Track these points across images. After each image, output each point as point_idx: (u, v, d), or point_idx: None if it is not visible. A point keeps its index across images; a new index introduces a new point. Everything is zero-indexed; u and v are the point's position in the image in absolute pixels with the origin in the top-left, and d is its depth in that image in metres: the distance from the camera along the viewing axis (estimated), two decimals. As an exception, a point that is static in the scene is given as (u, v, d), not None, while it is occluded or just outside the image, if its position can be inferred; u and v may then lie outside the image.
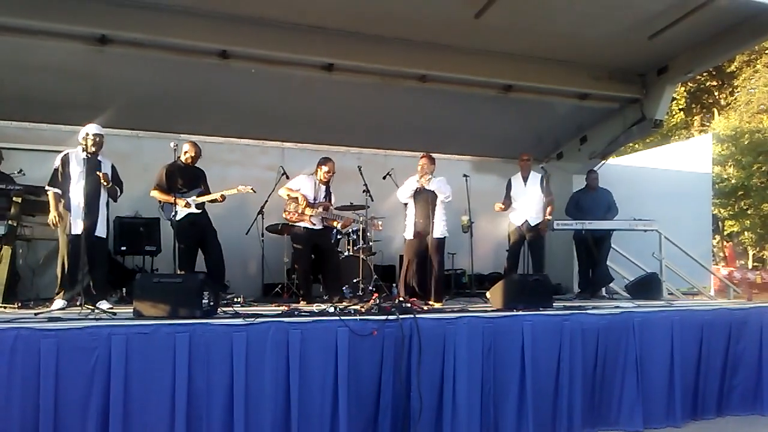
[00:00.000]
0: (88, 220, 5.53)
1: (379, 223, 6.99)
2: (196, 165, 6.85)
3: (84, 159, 5.64)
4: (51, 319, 4.31)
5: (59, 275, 5.65)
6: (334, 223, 6.93)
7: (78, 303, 5.33)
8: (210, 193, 6.72)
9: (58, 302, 5.50)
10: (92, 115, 6.74)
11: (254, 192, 6.86)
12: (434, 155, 6.89)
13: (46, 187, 5.75)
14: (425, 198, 6.68)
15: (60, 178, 5.72)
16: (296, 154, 8.94)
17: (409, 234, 6.76)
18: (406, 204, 6.93)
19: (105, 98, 7.37)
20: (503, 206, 7.74)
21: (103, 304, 5.44)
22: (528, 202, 7.62)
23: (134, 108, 7.80)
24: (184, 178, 6.68)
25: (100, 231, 5.82)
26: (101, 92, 7.41)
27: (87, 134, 5.76)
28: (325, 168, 6.80)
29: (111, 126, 7.90)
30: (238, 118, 8.42)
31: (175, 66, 7.12)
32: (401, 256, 8.64)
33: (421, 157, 6.77)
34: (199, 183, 6.77)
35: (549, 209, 7.51)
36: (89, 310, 4.93)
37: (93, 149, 5.76)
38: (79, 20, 6.40)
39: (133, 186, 7.74)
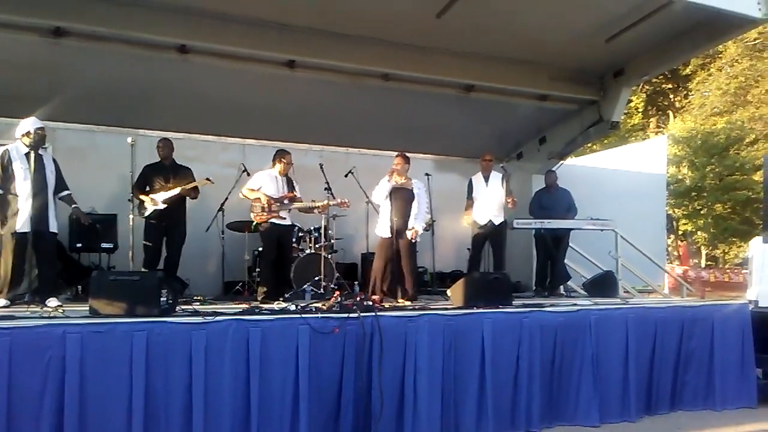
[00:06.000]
0: (37, 216, 5.43)
1: (347, 201, 6.98)
2: (177, 162, 7.01)
3: (26, 155, 5.54)
4: (3, 318, 4.20)
5: (2, 274, 5.49)
6: (315, 210, 6.95)
7: (25, 301, 5.23)
8: (172, 187, 6.78)
9: (0, 301, 5.36)
10: (46, 108, 6.63)
11: (212, 183, 6.90)
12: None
13: None
14: (402, 196, 6.68)
15: (0, 179, 5.55)
16: (257, 150, 8.87)
17: (383, 232, 6.71)
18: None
19: (60, 91, 7.18)
20: (469, 211, 7.81)
21: (52, 302, 5.31)
22: (490, 201, 7.69)
23: (90, 102, 7.64)
24: (163, 176, 6.83)
25: (53, 226, 5.68)
26: (56, 85, 7.21)
27: (32, 130, 5.56)
28: (283, 160, 6.84)
29: (66, 120, 7.84)
30: (198, 114, 8.30)
31: (134, 60, 6.99)
32: (363, 255, 8.70)
33: (396, 156, 6.78)
34: (175, 180, 6.82)
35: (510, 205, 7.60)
36: (38, 308, 4.83)
37: (37, 144, 5.57)
38: (34, 12, 6.24)
39: (89, 181, 7.68)
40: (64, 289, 6.52)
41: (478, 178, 7.89)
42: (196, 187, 6.90)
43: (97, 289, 4.54)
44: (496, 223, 7.67)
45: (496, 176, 7.80)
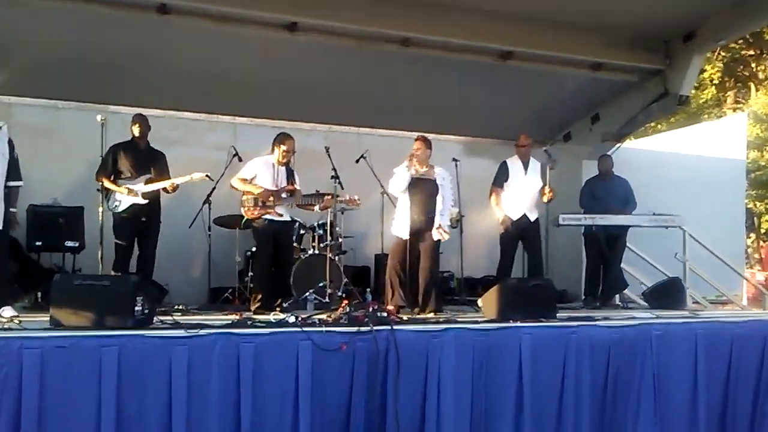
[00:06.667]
0: None
1: (357, 198, 7.00)
2: (152, 146, 7.01)
3: None
4: (-50, 330, 4.27)
5: None
6: (314, 207, 6.96)
7: None
8: (162, 179, 6.80)
9: None
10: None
11: (211, 179, 6.93)
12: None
13: None
14: (424, 189, 6.67)
15: None
16: (251, 131, 8.90)
17: (401, 231, 6.68)
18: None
19: (16, 60, 7.26)
20: (499, 199, 7.77)
21: (6, 311, 5.34)
22: (527, 192, 7.68)
23: (53, 73, 7.70)
24: (135, 161, 6.83)
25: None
26: (11, 53, 7.27)
27: None
28: (283, 147, 6.85)
29: (24, 94, 7.90)
30: (180, 88, 8.33)
31: (105, 23, 7.02)
32: (377, 256, 8.70)
33: (416, 140, 6.76)
34: (151, 167, 6.86)
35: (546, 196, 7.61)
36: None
37: None
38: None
39: (51, 167, 7.75)
40: (21, 296, 6.56)
41: (515, 163, 7.85)
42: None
43: (59, 296, 4.57)
44: (531, 219, 7.67)
45: (535, 163, 7.80)
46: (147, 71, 7.92)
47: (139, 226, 6.85)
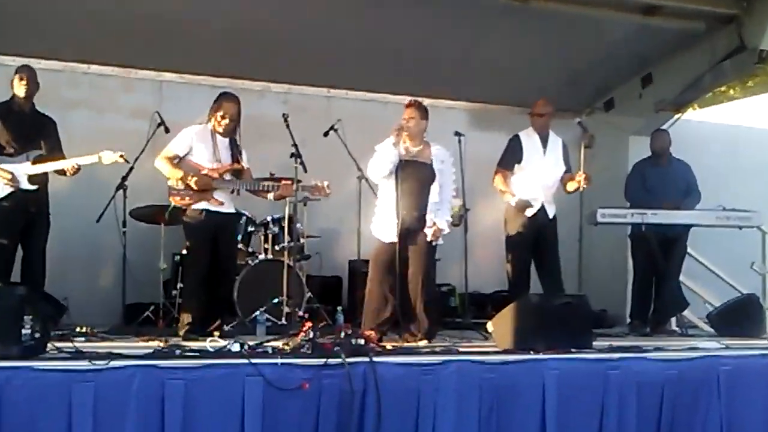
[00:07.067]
0: None
1: (325, 185, 6.98)
2: (38, 109, 6.96)
3: None
4: None
5: None
6: (267, 195, 6.98)
7: None
8: (58, 158, 6.76)
9: None
10: None
11: (127, 162, 6.93)
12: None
13: None
14: (416, 175, 6.67)
15: None
16: (182, 90, 8.89)
17: (384, 233, 6.68)
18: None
19: None
20: (507, 182, 7.76)
21: None
22: (545, 179, 7.70)
23: None
24: (18, 130, 6.77)
25: None
26: None
27: None
28: (219, 112, 6.80)
29: None
30: (86, 31, 8.29)
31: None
32: (352, 264, 8.71)
33: (407, 106, 6.78)
34: (40, 139, 6.82)
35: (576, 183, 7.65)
36: None
37: None
38: None
39: None
40: None
41: (531, 138, 7.84)
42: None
43: None
44: (550, 214, 7.73)
45: (556, 139, 7.85)
46: (38, 9, 7.87)
47: (25, 219, 6.79)
